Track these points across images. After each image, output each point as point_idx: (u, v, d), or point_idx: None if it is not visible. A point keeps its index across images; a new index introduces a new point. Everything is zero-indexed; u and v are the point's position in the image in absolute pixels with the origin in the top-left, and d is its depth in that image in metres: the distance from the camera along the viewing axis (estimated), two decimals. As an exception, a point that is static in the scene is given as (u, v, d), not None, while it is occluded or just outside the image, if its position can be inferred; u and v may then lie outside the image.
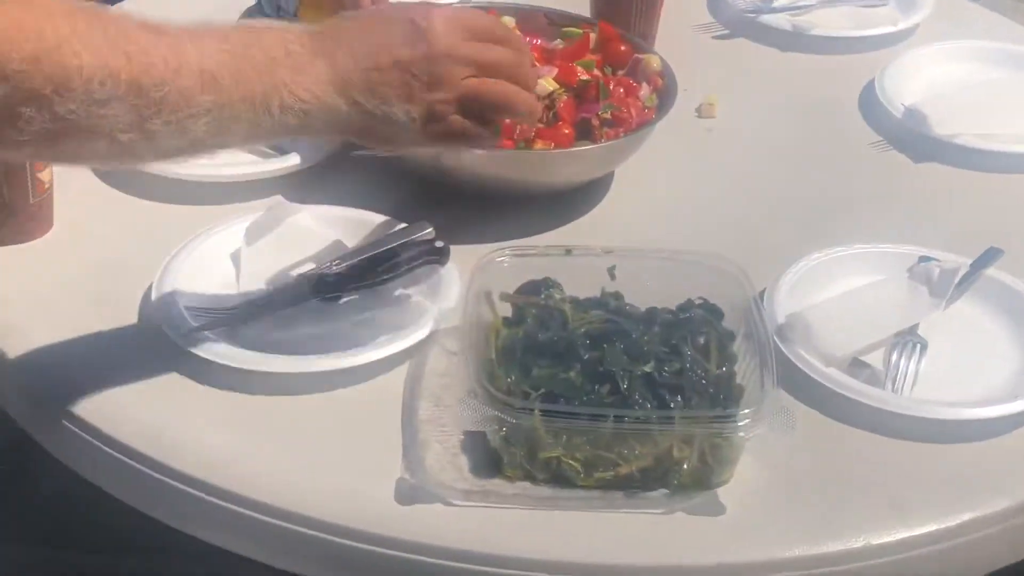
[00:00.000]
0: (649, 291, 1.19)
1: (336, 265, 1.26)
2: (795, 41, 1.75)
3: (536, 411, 1.06)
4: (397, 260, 1.27)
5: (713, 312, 1.17)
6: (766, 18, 1.77)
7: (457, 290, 1.24)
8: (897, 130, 1.57)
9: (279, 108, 0.97)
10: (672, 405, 1.08)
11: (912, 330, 1.24)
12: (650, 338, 1.13)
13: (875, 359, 1.21)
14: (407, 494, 1.07)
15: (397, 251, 1.28)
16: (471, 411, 1.05)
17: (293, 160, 1.42)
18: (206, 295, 1.24)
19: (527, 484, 1.08)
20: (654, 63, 1.50)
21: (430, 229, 1.32)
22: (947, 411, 1.15)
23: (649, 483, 1.08)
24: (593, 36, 1.53)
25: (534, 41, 1.52)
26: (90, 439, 1.12)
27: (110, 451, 1.11)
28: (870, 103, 1.62)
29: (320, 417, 1.14)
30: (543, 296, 1.19)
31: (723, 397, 1.10)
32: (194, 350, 1.17)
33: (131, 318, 1.23)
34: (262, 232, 1.30)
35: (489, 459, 1.10)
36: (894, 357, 1.21)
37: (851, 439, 1.15)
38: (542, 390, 1.09)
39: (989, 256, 1.32)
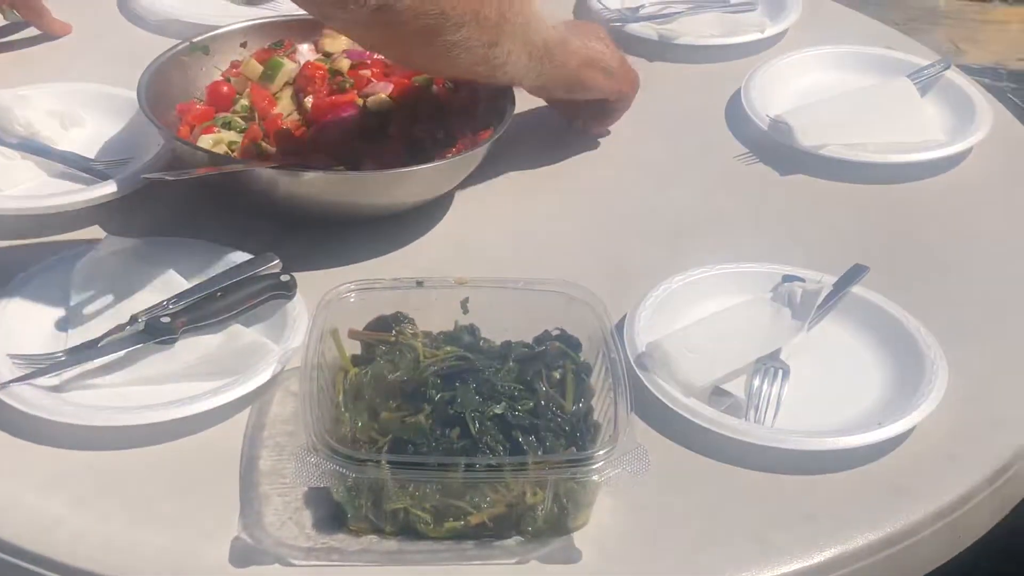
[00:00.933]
0: (505, 323, 1.14)
1: (172, 303, 1.19)
2: (662, 50, 1.71)
3: (383, 462, 1.00)
4: (239, 296, 1.21)
5: (570, 343, 1.13)
6: (632, 27, 1.73)
7: (305, 327, 1.17)
8: (763, 141, 1.53)
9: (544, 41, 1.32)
10: (526, 447, 1.03)
11: (774, 355, 1.20)
12: (504, 375, 1.08)
13: (737, 386, 1.17)
14: (244, 555, 1.01)
15: (239, 286, 1.22)
16: (310, 466, 0.99)
17: (110, 188, 1.34)
18: (32, 341, 1.17)
19: (374, 538, 1.02)
20: None
21: (276, 261, 1.26)
22: (810, 441, 1.12)
23: (502, 531, 1.03)
24: None
25: (375, 56, 1.47)
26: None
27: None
28: (736, 114, 1.58)
29: (152, 472, 1.08)
30: (394, 332, 1.13)
31: (579, 435, 1.06)
32: (14, 403, 1.09)
33: (-51, 369, 1.15)
34: (93, 270, 1.23)
35: (333, 513, 1.04)
36: (756, 384, 1.17)
37: (713, 473, 1.11)
38: (389, 436, 1.04)
39: (853, 274, 1.29)
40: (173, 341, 1.16)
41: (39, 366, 1.13)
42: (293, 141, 1.37)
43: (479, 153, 1.37)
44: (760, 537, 1.05)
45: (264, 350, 1.16)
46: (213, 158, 1.32)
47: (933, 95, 1.62)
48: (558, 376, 1.10)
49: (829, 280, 1.27)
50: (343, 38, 1.49)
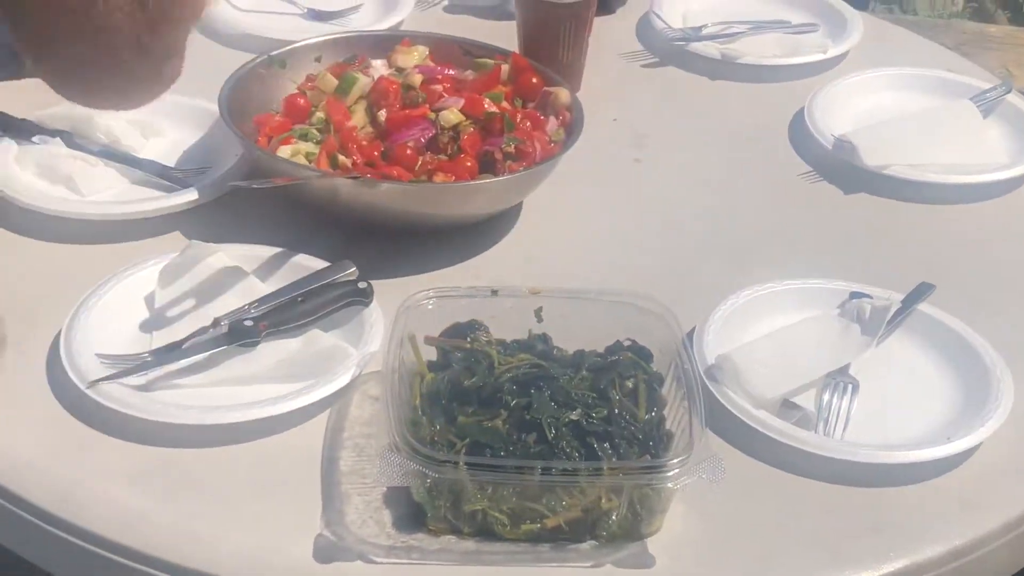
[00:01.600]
0: (577, 333, 1.16)
1: (254, 308, 1.22)
2: (724, 69, 1.73)
3: (461, 464, 1.03)
4: (318, 302, 1.23)
5: (642, 354, 1.14)
6: (695, 46, 1.75)
7: (382, 332, 1.20)
8: (827, 160, 1.55)
9: None
10: (600, 454, 1.05)
11: (843, 370, 1.22)
12: (578, 383, 1.10)
13: (806, 400, 1.19)
14: (326, 552, 1.03)
15: (318, 292, 1.25)
16: (393, 465, 1.02)
17: (191, 195, 1.38)
18: (118, 341, 1.20)
19: (452, 538, 1.05)
20: (563, 97, 1.47)
21: (353, 268, 1.28)
22: (880, 454, 1.13)
23: (577, 534, 1.05)
24: (505, 67, 1.51)
25: (446, 71, 1.51)
26: (-5, 496, 1.07)
27: (16, 510, 1.07)
28: (800, 133, 1.60)
29: (236, 470, 1.10)
30: (469, 339, 1.15)
31: (652, 444, 1.08)
32: (104, 401, 1.12)
33: (39, 368, 1.18)
34: (177, 274, 1.26)
35: (412, 512, 1.06)
36: (825, 398, 1.19)
37: (783, 483, 1.13)
38: (467, 440, 1.06)
39: (920, 292, 1.30)
40: (255, 344, 1.19)
41: (126, 366, 1.16)
42: (368, 153, 1.40)
43: (548, 167, 1.40)
44: (830, 548, 1.07)
45: (343, 354, 1.19)
46: (293, 168, 1.35)
47: (994, 118, 1.64)
48: (631, 385, 1.11)
49: (897, 297, 1.28)
50: (415, 54, 1.53)
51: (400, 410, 1.07)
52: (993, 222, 1.49)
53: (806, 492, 1.12)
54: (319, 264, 1.29)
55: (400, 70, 1.52)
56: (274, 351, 1.20)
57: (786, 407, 1.18)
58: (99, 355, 1.16)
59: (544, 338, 1.17)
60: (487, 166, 1.40)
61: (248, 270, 1.27)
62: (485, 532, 1.05)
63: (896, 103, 1.65)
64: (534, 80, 1.50)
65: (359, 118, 1.46)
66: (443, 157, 1.40)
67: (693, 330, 1.24)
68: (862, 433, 1.16)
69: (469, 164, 1.39)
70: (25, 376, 1.17)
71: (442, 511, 1.04)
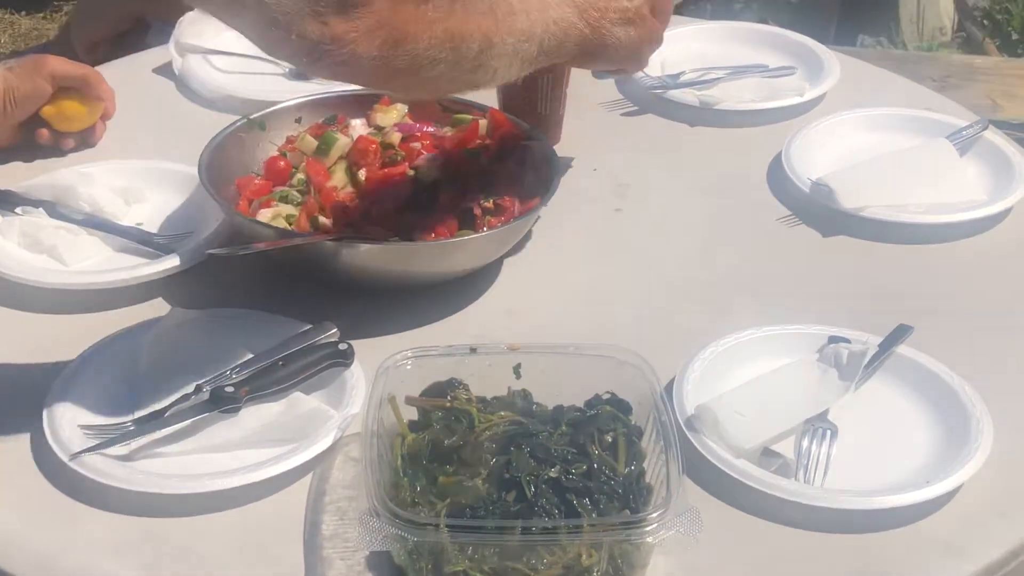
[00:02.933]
0: (556, 387, 1.17)
1: (235, 373, 1.23)
2: (703, 115, 1.74)
3: (442, 526, 1.03)
4: (299, 364, 1.24)
5: (621, 407, 1.16)
6: (673, 93, 1.76)
7: (363, 393, 1.21)
8: (805, 204, 1.56)
9: (547, 36, 1.28)
10: (580, 510, 1.06)
11: (822, 415, 1.22)
12: (557, 439, 1.11)
13: (786, 447, 1.20)
14: (309, 617, 1.04)
15: (299, 355, 1.25)
16: (374, 530, 1.02)
17: (173, 261, 1.39)
18: (101, 411, 1.20)
19: None
20: (539, 151, 1.49)
21: (334, 330, 1.29)
22: (860, 500, 1.14)
23: None
24: (483, 123, 1.53)
25: (424, 128, 1.53)
26: (-21, 571, 1.08)
27: (-1, 583, 1.08)
28: (778, 177, 1.61)
29: (220, 538, 1.11)
30: (449, 398, 1.16)
31: (632, 497, 1.09)
32: (86, 472, 1.13)
33: (23, 440, 1.19)
34: (159, 341, 1.27)
35: None
36: (804, 444, 1.19)
37: (765, 532, 1.13)
38: (448, 500, 1.07)
39: (898, 334, 1.31)
40: (237, 410, 1.20)
41: (109, 436, 1.17)
42: (348, 213, 1.41)
43: (528, 222, 1.41)
44: (813, 596, 1.07)
45: (324, 416, 1.20)
46: (274, 232, 1.36)
47: (972, 155, 1.65)
48: (610, 439, 1.12)
49: (874, 341, 1.29)
50: (394, 112, 1.55)
51: (380, 473, 1.07)
52: (972, 260, 1.49)
53: (788, 540, 1.12)
54: (301, 327, 1.30)
55: (379, 128, 1.54)
56: (256, 415, 1.20)
57: (766, 455, 1.19)
58: (82, 426, 1.17)
59: (524, 394, 1.18)
60: (466, 222, 1.41)
61: (230, 335, 1.28)
62: None
63: (873, 143, 1.66)
64: (514, 133, 1.52)
65: (339, 178, 1.48)
66: (422, 215, 1.41)
67: (672, 380, 1.25)
68: (842, 479, 1.17)
69: (449, 221, 1.41)
70: (8, 448, 1.18)
71: (424, 574, 1.05)
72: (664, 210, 1.58)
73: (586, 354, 1.19)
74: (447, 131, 1.54)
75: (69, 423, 1.17)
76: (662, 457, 1.09)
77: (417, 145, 1.50)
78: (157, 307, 1.35)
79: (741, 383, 1.25)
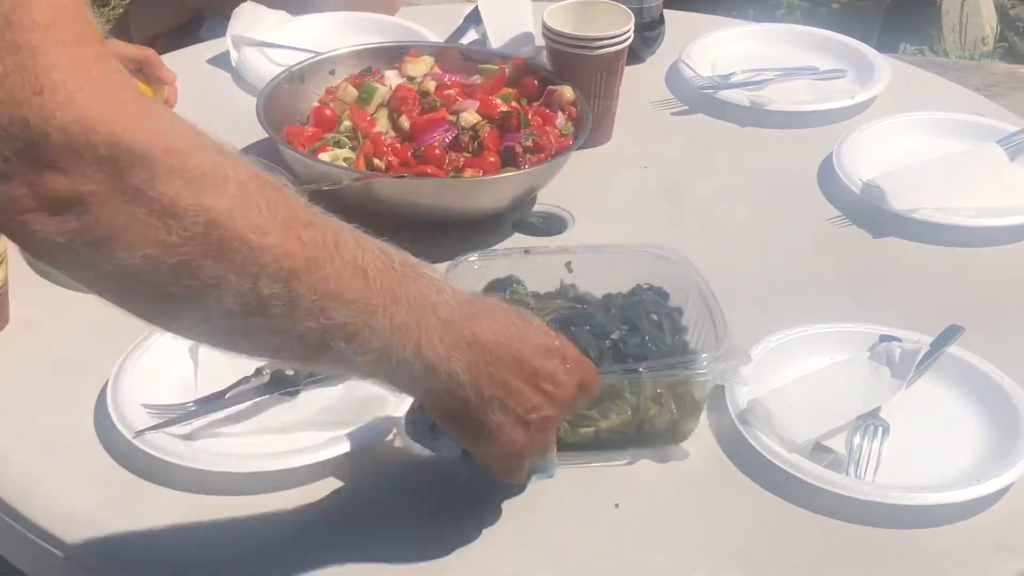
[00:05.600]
0: (602, 281, 1.30)
1: (295, 357, 1.25)
2: (753, 116, 1.75)
3: None
4: (357, 350, 1.26)
5: (660, 293, 1.28)
6: (724, 94, 1.77)
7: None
8: (856, 205, 1.57)
9: (411, 348, 0.93)
10: (639, 369, 1.18)
11: (874, 413, 1.23)
12: (610, 319, 1.23)
13: (837, 443, 1.21)
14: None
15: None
16: None
17: None
18: (163, 392, 1.22)
19: None
20: (567, 94, 1.59)
21: (391, 317, 1.31)
22: (911, 496, 1.15)
23: (625, 438, 1.19)
24: (507, 71, 1.64)
25: (454, 78, 1.62)
26: (47, 547, 1.10)
27: (67, 558, 1.10)
28: (829, 178, 1.62)
29: (280, 516, 1.13)
30: (508, 292, 1.26)
31: (677, 360, 1.21)
32: (149, 450, 1.15)
33: (87, 418, 1.21)
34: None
35: None
36: (856, 441, 1.20)
37: (816, 526, 1.14)
38: None
39: (949, 334, 1.32)
40: (297, 392, 1.22)
41: (171, 415, 1.19)
42: (401, 155, 1.51)
43: (565, 158, 1.52)
44: (863, 589, 1.08)
45: (382, 401, 1.21)
46: (345, 172, 1.46)
47: (1022, 160, 1.65)
48: (655, 318, 1.25)
49: (926, 340, 1.30)
50: (423, 63, 1.66)
51: None
52: (1021, 264, 1.50)
53: (838, 535, 1.13)
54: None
55: (411, 79, 1.64)
56: (315, 399, 1.22)
57: (818, 450, 1.20)
58: (145, 405, 1.19)
59: (574, 287, 1.30)
60: (507, 160, 1.51)
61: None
62: None
63: (924, 147, 1.66)
64: (535, 81, 1.62)
65: (382, 124, 1.57)
66: (467, 154, 1.51)
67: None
68: (893, 475, 1.18)
69: (492, 159, 1.51)
70: (73, 428, 1.21)
71: None
72: (715, 209, 1.59)
73: (627, 251, 1.33)
74: (476, 79, 1.64)
75: (133, 402, 1.20)
76: (704, 326, 1.22)
77: (452, 92, 1.59)
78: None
79: (793, 379, 1.26)
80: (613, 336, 1.20)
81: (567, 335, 1.12)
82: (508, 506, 1.14)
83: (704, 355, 1.17)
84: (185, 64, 1.85)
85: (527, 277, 1.28)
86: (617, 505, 1.15)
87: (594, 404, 1.15)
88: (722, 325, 1.19)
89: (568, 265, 1.30)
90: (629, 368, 1.18)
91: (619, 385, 1.17)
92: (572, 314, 1.24)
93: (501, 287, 1.26)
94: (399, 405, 1.20)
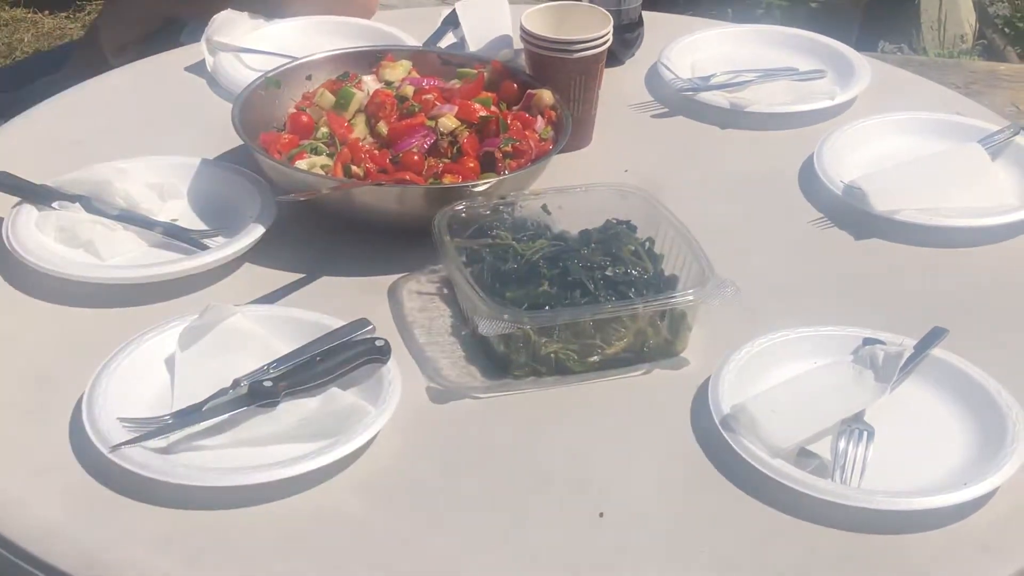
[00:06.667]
0: (573, 219, 1.41)
1: (273, 369, 1.24)
2: (733, 118, 1.74)
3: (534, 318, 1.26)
4: (336, 361, 1.24)
5: (629, 227, 1.40)
6: (703, 96, 1.76)
7: (400, 390, 1.22)
8: (838, 206, 1.56)
9: None
10: (632, 296, 1.31)
11: (858, 417, 1.22)
12: (593, 252, 1.35)
13: (822, 448, 1.20)
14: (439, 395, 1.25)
15: (336, 351, 1.26)
16: (489, 324, 1.23)
17: (209, 257, 1.41)
18: (139, 405, 1.21)
19: (532, 379, 1.28)
20: (546, 98, 1.58)
21: (371, 326, 1.30)
22: (898, 501, 1.14)
23: (629, 360, 1.30)
24: (486, 75, 1.63)
25: (432, 82, 1.60)
26: (23, 564, 1.09)
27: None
28: (810, 179, 1.61)
29: (259, 531, 1.11)
30: (492, 236, 1.37)
31: (663, 285, 1.34)
32: (125, 464, 1.13)
33: (62, 432, 1.19)
34: (196, 336, 1.27)
35: (495, 365, 1.29)
36: (841, 445, 1.19)
37: (802, 532, 1.13)
38: (525, 305, 1.29)
39: (933, 336, 1.31)
40: (275, 404, 1.20)
41: (147, 429, 1.17)
42: (379, 162, 1.49)
43: (545, 162, 1.50)
44: (850, 596, 1.07)
45: (362, 412, 1.20)
46: (323, 181, 1.44)
47: (1004, 160, 1.65)
48: (632, 248, 1.36)
49: (910, 343, 1.29)
50: (400, 68, 1.64)
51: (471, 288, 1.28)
52: (1004, 264, 1.49)
53: (825, 540, 1.12)
54: (336, 323, 1.30)
55: (389, 83, 1.62)
56: (294, 411, 1.21)
57: (802, 455, 1.19)
58: (121, 419, 1.18)
59: (549, 228, 1.40)
60: (487, 165, 1.50)
61: (267, 331, 1.29)
62: (560, 371, 1.28)
63: (905, 147, 1.66)
64: (514, 85, 1.61)
65: (360, 130, 1.55)
66: (446, 160, 1.49)
67: (708, 380, 1.25)
68: (879, 480, 1.17)
69: (472, 165, 1.50)
70: (48, 441, 1.19)
71: (523, 358, 1.27)
72: (695, 211, 1.56)
73: (593, 189, 1.45)
74: (454, 83, 1.62)
75: (108, 416, 1.18)
76: (681, 253, 1.35)
77: (430, 97, 1.57)
78: (192, 303, 1.36)
79: (777, 383, 1.25)
80: (608, 270, 1.32)
81: (558, 269, 1.31)
82: (491, 516, 1.13)
83: (691, 290, 1.29)
84: (160, 71, 1.84)
85: (509, 222, 1.40)
86: (601, 514, 1.14)
87: (598, 333, 1.27)
88: (703, 257, 1.32)
89: (545, 208, 1.41)
90: (630, 302, 1.29)
91: (620, 316, 1.28)
92: (558, 250, 1.35)
93: (484, 232, 1.37)
94: (378, 416, 1.19)
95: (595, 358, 1.29)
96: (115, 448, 1.14)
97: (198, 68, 1.83)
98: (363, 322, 1.30)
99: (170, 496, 1.12)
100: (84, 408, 1.19)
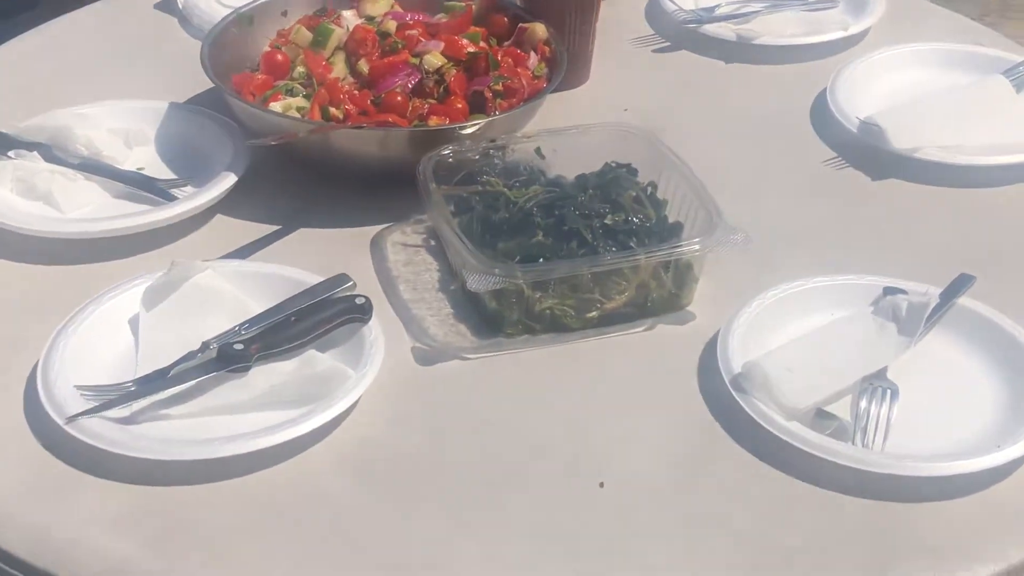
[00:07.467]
0: (570, 163, 1.33)
1: (244, 329, 1.15)
2: (740, 51, 1.67)
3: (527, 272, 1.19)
4: (314, 320, 1.16)
5: (629, 170, 1.32)
6: (708, 28, 1.69)
7: (383, 351, 1.14)
8: (853, 145, 1.49)
9: None
10: (633, 247, 1.23)
11: (880, 374, 1.14)
12: (590, 199, 1.27)
13: (841, 408, 1.12)
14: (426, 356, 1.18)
15: (313, 310, 1.18)
16: (478, 279, 1.16)
17: (178, 208, 1.32)
18: (99, 371, 1.13)
19: (527, 338, 1.21)
20: (539, 32, 1.51)
21: (351, 282, 1.22)
22: (925, 466, 1.06)
23: (632, 313, 1.23)
24: (474, 8, 1.55)
25: (416, 16, 1.53)
26: (-33, 546, 1.01)
27: (-10, 559, 1.00)
28: (822, 117, 1.54)
29: (229, 508, 1.04)
30: (481, 184, 1.30)
31: (667, 233, 1.26)
32: (83, 437, 1.05)
33: (16, 401, 1.11)
34: (161, 295, 1.19)
35: (486, 322, 1.22)
36: (862, 405, 1.12)
37: (820, 501, 1.06)
38: (518, 258, 1.22)
39: (960, 284, 1.23)
40: (247, 369, 1.12)
41: (108, 397, 1.09)
42: (359, 103, 1.41)
43: (539, 102, 1.43)
44: (875, 571, 1.00)
45: (342, 376, 1.12)
46: (298, 124, 1.36)
47: (1030, 92, 1.57)
48: (633, 194, 1.29)
49: (934, 292, 1.21)
50: (383, 2, 1.56)
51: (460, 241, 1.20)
52: (1034, 204, 1.42)
53: (847, 510, 1.05)
54: (314, 279, 1.22)
55: (370, 18, 1.54)
56: (267, 375, 1.12)
57: (820, 417, 1.11)
58: (79, 387, 1.09)
59: (543, 173, 1.33)
60: (476, 106, 1.41)
61: (239, 289, 1.20)
62: (556, 328, 1.21)
63: (923, 81, 1.58)
64: (504, 18, 1.53)
65: (339, 69, 1.48)
66: (432, 101, 1.42)
67: (717, 335, 1.18)
68: (904, 443, 1.09)
69: (460, 106, 1.41)
70: (0, 412, 1.11)
71: (515, 315, 1.20)
72: (700, 153, 1.47)
73: (592, 131, 1.37)
74: (441, 17, 1.55)
75: (65, 384, 1.09)
76: (685, 199, 1.27)
77: (414, 32, 1.50)
78: (159, 258, 1.28)
79: (792, 339, 1.17)
80: (606, 218, 1.24)
81: (553, 218, 1.24)
82: (483, 487, 1.06)
83: (696, 239, 1.21)
84: (128, 9, 1.76)
85: (500, 167, 1.33)
86: (602, 484, 1.06)
87: (597, 287, 1.20)
88: (712, 204, 1.24)
89: (538, 151, 1.34)
90: (632, 252, 1.21)
91: (620, 268, 1.21)
92: (553, 197, 1.27)
93: (473, 179, 1.30)
94: (359, 380, 1.11)
95: (594, 314, 1.22)
96: (72, 419, 1.06)
97: (168, 5, 1.74)
98: (343, 278, 1.22)
99: (132, 471, 1.04)
100: (39, 375, 1.10)
